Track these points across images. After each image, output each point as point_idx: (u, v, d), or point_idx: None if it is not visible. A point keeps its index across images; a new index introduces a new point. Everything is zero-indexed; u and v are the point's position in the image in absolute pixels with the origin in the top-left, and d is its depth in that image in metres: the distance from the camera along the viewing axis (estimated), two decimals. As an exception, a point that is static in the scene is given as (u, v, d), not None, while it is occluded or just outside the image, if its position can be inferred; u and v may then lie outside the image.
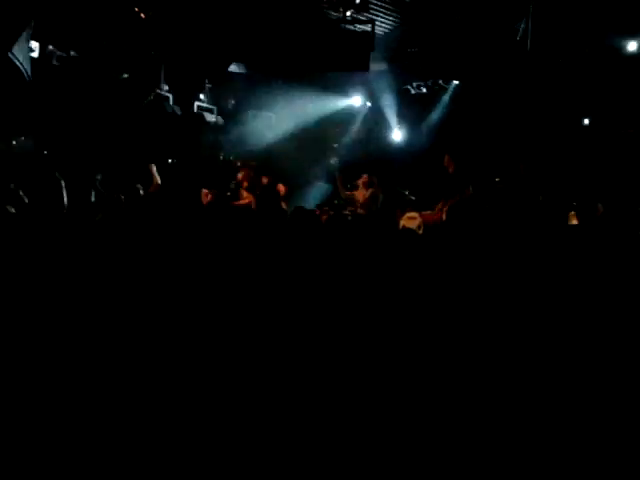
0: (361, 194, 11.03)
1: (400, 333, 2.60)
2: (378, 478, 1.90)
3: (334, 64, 11.11)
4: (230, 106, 14.11)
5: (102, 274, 3.13)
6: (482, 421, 2.23)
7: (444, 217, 8.87)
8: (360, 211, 10.89)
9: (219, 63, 11.64)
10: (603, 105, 11.42)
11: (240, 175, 10.33)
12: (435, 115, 14.46)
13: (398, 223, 8.93)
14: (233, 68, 11.66)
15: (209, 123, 13.12)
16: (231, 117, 13.91)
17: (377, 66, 12.35)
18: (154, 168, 8.25)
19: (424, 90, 14.18)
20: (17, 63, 8.06)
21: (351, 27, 11.29)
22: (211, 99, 13.39)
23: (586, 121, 11.95)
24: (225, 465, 1.94)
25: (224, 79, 12.91)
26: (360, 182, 11.06)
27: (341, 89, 14.73)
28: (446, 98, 14.18)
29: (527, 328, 2.73)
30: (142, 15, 10.75)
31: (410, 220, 9.67)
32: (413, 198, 11.03)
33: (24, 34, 8.31)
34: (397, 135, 15.38)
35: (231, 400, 2.30)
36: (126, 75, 11.32)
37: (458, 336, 2.74)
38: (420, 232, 8.03)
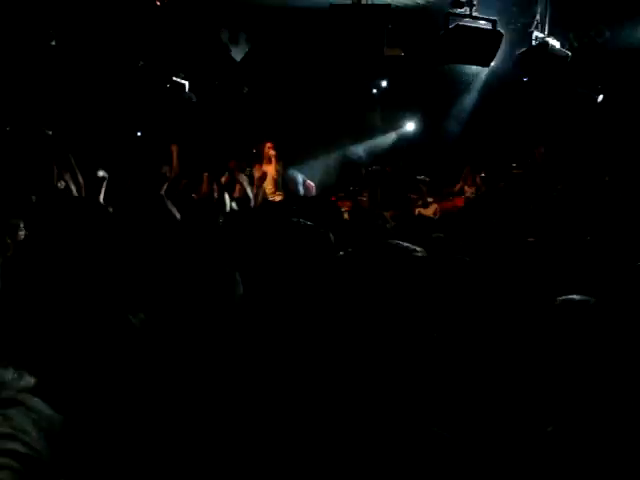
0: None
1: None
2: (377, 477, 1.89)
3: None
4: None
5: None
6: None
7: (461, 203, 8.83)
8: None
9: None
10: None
11: None
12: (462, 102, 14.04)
13: (413, 210, 8.88)
14: None
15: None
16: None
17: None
18: (175, 152, 8.25)
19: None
20: None
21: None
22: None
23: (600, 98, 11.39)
24: (224, 465, 1.94)
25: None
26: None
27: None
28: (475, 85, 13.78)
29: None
30: (157, 2, 10.71)
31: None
32: (427, 179, 10.79)
33: None
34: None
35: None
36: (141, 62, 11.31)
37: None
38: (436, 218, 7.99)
